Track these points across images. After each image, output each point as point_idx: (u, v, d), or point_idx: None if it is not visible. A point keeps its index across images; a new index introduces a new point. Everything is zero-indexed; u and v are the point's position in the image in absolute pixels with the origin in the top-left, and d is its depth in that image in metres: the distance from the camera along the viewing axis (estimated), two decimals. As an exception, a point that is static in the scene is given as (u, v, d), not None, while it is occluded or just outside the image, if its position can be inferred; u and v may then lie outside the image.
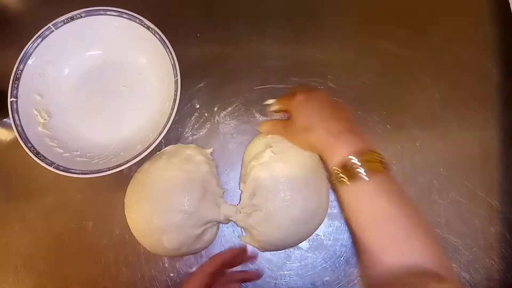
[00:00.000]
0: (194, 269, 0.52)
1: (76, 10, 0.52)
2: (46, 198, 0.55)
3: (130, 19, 0.53)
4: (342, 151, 0.39)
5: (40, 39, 0.52)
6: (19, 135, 0.50)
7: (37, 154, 0.50)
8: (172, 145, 0.54)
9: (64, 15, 0.52)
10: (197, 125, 0.56)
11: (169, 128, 0.50)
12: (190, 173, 0.49)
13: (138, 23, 0.52)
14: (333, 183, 0.39)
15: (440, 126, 0.55)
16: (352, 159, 0.38)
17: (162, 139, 0.50)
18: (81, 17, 0.53)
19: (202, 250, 0.51)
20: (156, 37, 0.52)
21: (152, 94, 0.56)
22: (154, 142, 0.49)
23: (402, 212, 0.38)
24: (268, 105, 0.54)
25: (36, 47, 0.52)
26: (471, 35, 0.58)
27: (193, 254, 0.52)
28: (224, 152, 0.55)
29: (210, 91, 0.57)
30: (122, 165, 0.49)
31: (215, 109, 0.57)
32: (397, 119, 0.56)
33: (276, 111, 0.54)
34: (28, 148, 0.50)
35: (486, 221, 0.53)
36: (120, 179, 0.53)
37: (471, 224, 0.53)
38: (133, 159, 0.49)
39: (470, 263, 0.52)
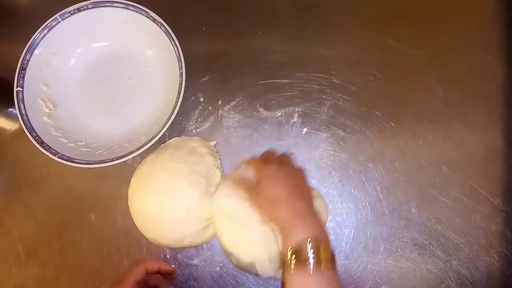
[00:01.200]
0: (195, 260, 0.53)
1: (83, 1, 0.53)
2: (49, 187, 0.55)
3: (136, 12, 0.53)
4: (301, 233, 0.38)
5: (46, 30, 0.52)
6: (25, 125, 0.50)
7: (42, 143, 0.50)
8: (176, 138, 0.54)
9: (71, 6, 0.53)
10: (201, 118, 0.57)
11: (173, 121, 0.50)
12: (195, 166, 0.49)
13: (144, 16, 0.53)
14: (282, 264, 0.38)
15: (443, 124, 0.55)
16: (309, 243, 0.37)
17: (166, 131, 0.50)
18: (87, 8, 0.53)
19: (204, 244, 0.52)
20: (162, 30, 0.52)
21: (157, 86, 0.56)
22: (158, 134, 0.50)
23: None
24: (240, 163, 0.52)
25: (42, 37, 0.52)
26: (476, 33, 0.58)
27: (194, 247, 0.52)
28: (227, 145, 0.56)
29: (215, 85, 0.57)
30: (126, 156, 0.49)
31: (219, 102, 0.57)
32: (400, 116, 0.56)
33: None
34: (33, 137, 0.50)
35: (487, 219, 0.53)
36: (124, 170, 0.54)
37: (472, 222, 0.53)
38: (137, 150, 0.49)
39: (471, 261, 0.52)
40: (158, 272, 0.46)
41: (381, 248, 0.52)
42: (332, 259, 0.38)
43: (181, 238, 0.48)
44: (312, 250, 0.37)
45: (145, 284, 0.45)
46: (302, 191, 0.44)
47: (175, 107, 0.50)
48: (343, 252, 0.53)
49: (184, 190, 0.48)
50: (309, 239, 0.37)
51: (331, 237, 0.53)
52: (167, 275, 0.48)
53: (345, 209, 0.54)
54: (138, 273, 0.44)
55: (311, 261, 0.37)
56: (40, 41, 0.52)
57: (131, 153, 0.49)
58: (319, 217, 0.42)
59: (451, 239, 0.52)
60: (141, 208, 0.49)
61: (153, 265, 0.46)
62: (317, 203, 0.48)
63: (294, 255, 0.37)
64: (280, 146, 0.55)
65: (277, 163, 0.46)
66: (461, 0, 0.59)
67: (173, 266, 0.52)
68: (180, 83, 0.51)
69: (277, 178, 0.44)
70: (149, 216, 0.49)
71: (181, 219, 0.48)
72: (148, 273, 0.45)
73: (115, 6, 0.53)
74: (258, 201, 0.45)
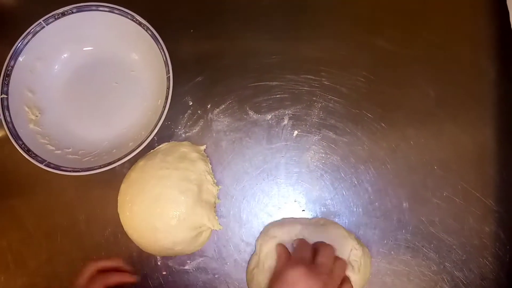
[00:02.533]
0: (186, 267, 0.52)
1: (67, 6, 0.52)
2: (37, 195, 0.54)
3: (122, 15, 0.52)
4: None
5: (31, 35, 0.51)
6: (10, 132, 0.49)
7: (28, 151, 0.49)
8: (166, 143, 0.54)
9: (55, 11, 0.52)
10: (190, 122, 0.56)
11: (161, 126, 0.50)
12: (186, 172, 0.49)
13: (130, 19, 0.52)
14: None
15: (434, 125, 0.55)
16: None
17: (154, 136, 0.49)
18: (72, 12, 0.52)
19: (196, 251, 0.51)
20: (148, 33, 0.52)
21: (144, 91, 0.55)
22: (146, 139, 0.49)
23: None
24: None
25: (26, 43, 0.51)
26: (467, 33, 0.57)
27: (186, 254, 0.51)
28: (217, 149, 0.55)
29: (203, 88, 0.57)
30: (114, 163, 0.48)
31: (208, 106, 0.56)
32: (391, 117, 0.55)
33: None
34: (19, 145, 0.49)
35: (481, 220, 0.52)
36: (113, 177, 0.53)
37: (465, 223, 0.52)
38: (125, 157, 0.48)
39: (464, 262, 0.51)
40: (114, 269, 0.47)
41: (374, 251, 0.52)
42: None
43: (173, 246, 0.48)
44: None
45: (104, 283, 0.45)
46: None
47: (162, 112, 0.49)
48: (335, 256, 0.52)
49: (175, 198, 0.47)
50: None
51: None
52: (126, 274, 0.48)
53: (338, 211, 0.53)
54: (87, 272, 0.45)
55: None
56: (24, 47, 0.51)
57: (119, 159, 0.48)
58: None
59: (444, 241, 0.52)
60: (131, 215, 0.49)
61: (105, 263, 0.47)
62: (357, 253, 0.46)
63: None
64: (271, 150, 0.55)
65: (320, 266, 0.41)
66: (453, 0, 0.58)
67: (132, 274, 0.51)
68: (168, 88, 0.50)
69: (299, 283, 0.39)
70: (140, 224, 0.48)
71: (173, 227, 0.47)
72: (102, 271, 0.45)
73: (100, 10, 0.52)
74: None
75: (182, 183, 0.48)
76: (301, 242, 0.46)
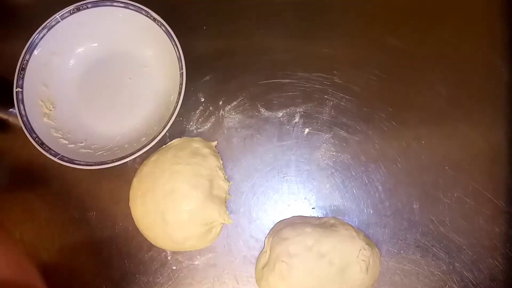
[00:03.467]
0: (196, 262, 0.52)
1: (82, 0, 0.52)
2: (50, 188, 0.55)
3: (136, 11, 0.52)
4: None
5: (46, 30, 0.52)
6: (24, 126, 0.50)
7: (41, 144, 0.50)
8: (177, 139, 0.54)
9: (71, 6, 0.52)
10: (202, 118, 0.56)
11: (173, 122, 0.50)
12: (198, 167, 0.49)
13: (144, 15, 0.52)
14: None
15: (446, 124, 0.55)
16: None
17: (166, 132, 0.50)
18: (87, 7, 0.52)
19: (205, 246, 0.51)
20: (162, 29, 0.52)
21: (157, 86, 0.55)
22: (158, 135, 0.49)
23: None
24: None
25: (42, 37, 0.52)
26: (480, 32, 0.57)
27: (196, 249, 0.52)
28: (228, 146, 0.55)
29: (216, 85, 0.57)
30: (126, 157, 0.49)
31: (220, 103, 0.56)
32: (403, 116, 0.55)
33: None
34: (33, 138, 0.50)
35: (491, 221, 0.52)
36: (125, 171, 0.54)
37: (475, 224, 0.52)
38: (138, 152, 0.49)
39: (474, 263, 0.51)
40: None
41: (384, 250, 0.52)
42: None
43: (183, 241, 0.48)
44: None
45: None
46: None
47: (175, 107, 0.49)
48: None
49: (187, 193, 0.48)
50: None
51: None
52: None
53: (347, 210, 0.53)
54: None
55: None
56: (39, 41, 0.52)
57: (131, 154, 0.49)
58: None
59: (454, 241, 0.52)
60: (143, 210, 0.49)
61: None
62: (366, 253, 0.47)
63: None
64: (282, 147, 0.55)
65: None
66: (466, 0, 0.58)
67: None
68: (181, 84, 0.50)
69: None
70: (151, 218, 0.48)
71: (184, 222, 0.47)
72: None
73: (115, 6, 0.52)
74: None
75: (194, 178, 0.48)
76: None
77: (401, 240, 0.52)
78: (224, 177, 0.52)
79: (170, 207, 0.47)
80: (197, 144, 0.52)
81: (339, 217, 0.53)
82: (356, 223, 0.53)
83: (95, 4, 0.52)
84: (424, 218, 0.52)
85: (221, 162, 0.53)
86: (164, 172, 0.49)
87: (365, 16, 0.58)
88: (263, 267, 0.49)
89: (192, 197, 0.47)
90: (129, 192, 0.51)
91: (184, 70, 0.51)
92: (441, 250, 0.52)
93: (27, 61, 0.51)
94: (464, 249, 0.52)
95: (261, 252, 0.52)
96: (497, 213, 0.52)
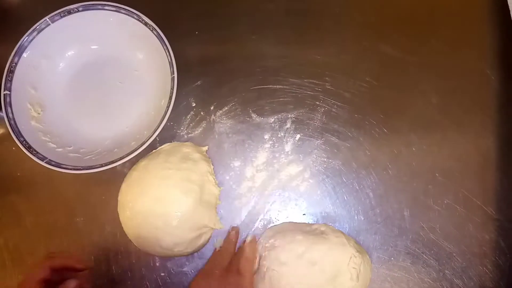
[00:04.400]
0: (185, 268, 0.52)
1: (73, 4, 0.52)
2: (37, 192, 0.54)
3: (127, 15, 0.52)
4: None
5: (36, 32, 0.51)
6: (12, 129, 0.49)
7: (29, 148, 0.49)
8: (168, 143, 0.54)
9: (61, 9, 0.52)
10: (193, 123, 0.56)
11: (164, 126, 0.50)
12: (188, 172, 0.49)
13: (136, 19, 0.52)
14: None
15: (437, 131, 0.55)
16: None
17: (157, 137, 0.49)
18: (78, 11, 0.52)
19: (194, 253, 0.51)
20: (154, 34, 0.52)
21: (148, 90, 0.55)
22: (148, 139, 0.49)
23: None
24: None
25: (31, 40, 0.51)
26: (471, 41, 0.58)
27: (185, 255, 0.51)
28: (219, 151, 0.55)
29: (207, 90, 0.57)
30: (115, 162, 0.48)
31: (212, 108, 0.56)
32: (394, 123, 0.55)
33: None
34: (20, 142, 0.49)
35: (481, 228, 0.52)
36: (114, 176, 0.53)
37: (465, 231, 0.52)
38: (127, 156, 0.48)
39: (464, 270, 0.51)
40: (66, 268, 0.45)
41: (374, 257, 0.52)
42: None
43: (173, 247, 0.48)
44: None
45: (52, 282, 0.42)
46: None
47: (166, 112, 0.49)
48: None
49: (177, 198, 0.47)
50: None
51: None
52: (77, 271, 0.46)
53: (338, 216, 0.53)
54: (40, 273, 0.42)
55: None
56: (29, 43, 0.51)
57: (120, 159, 0.48)
58: None
59: (444, 248, 0.52)
60: (132, 215, 0.48)
61: (59, 262, 0.44)
62: (356, 261, 0.46)
63: None
64: (273, 153, 0.55)
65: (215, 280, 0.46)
66: (458, 9, 0.59)
67: (83, 266, 0.48)
68: (172, 88, 0.50)
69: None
70: (141, 224, 0.48)
71: (174, 227, 0.47)
72: (54, 271, 0.43)
73: (106, 9, 0.52)
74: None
75: (185, 183, 0.48)
76: (221, 250, 0.50)
77: (391, 247, 0.52)
78: (215, 182, 0.52)
79: (160, 212, 0.47)
80: (187, 149, 0.52)
81: (330, 224, 0.52)
82: (347, 229, 0.53)
83: (86, 8, 0.52)
84: (414, 225, 0.52)
85: (212, 167, 0.53)
86: (154, 177, 0.48)
87: (357, 24, 0.59)
88: (253, 275, 0.48)
89: (182, 203, 0.47)
90: (117, 197, 0.51)
91: (175, 75, 0.50)
92: (431, 257, 0.52)
93: (16, 63, 0.51)
94: (454, 256, 0.52)
95: None
96: (487, 220, 0.52)
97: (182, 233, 0.47)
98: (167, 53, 0.51)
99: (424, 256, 0.52)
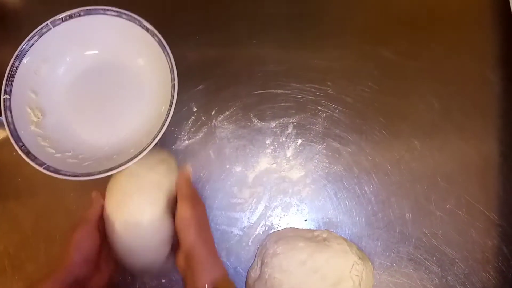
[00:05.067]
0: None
1: (74, 8, 0.51)
2: (37, 198, 0.54)
3: (129, 20, 0.52)
4: (203, 278, 0.41)
5: (37, 37, 0.51)
6: (11, 134, 0.49)
7: (27, 153, 0.48)
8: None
9: (63, 13, 0.51)
10: (194, 128, 0.56)
11: (165, 131, 0.49)
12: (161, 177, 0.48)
13: (137, 25, 0.52)
14: None
15: (439, 136, 0.55)
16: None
17: (157, 142, 0.49)
18: (79, 15, 0.52)
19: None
20: (155, 40, 0.51)
21: (148, 97, 0.55)
22: (148, 146, 0.48)
23: None
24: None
25: (32, 44, 0.51)
26: (472, 45, 0.58)
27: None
28: (220, 156, 0.55)
29: (208, 94, 0.57)
30: (113, 169, 0.47)
31: (213, 112, 0.56)
32: (395, 127, 0.55)
33: None
34: (19, 147, 0.48)
35: (483, 234, 0.52)
36: (114, 181, 0.52)
37: (468, 237, 0.52)
38: (126, 164, 0.47)
39: (466, 276, 0.51)
40: None
41: (376, 263, 0.51)
42: None
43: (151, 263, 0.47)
44: None
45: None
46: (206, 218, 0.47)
47: (166, 119, 0.48)
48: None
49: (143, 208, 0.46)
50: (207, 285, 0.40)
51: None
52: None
53: (340, 222, 0.53)
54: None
55: None
56: (29, 48, 0.51)
57: (119, 166, 0.47)
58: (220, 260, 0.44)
59: (447, 254, 0.52)
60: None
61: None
62: (359, 268, 0.46)
63: None
64: (274, 158, 0.55)
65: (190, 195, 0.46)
66: (459, 13, 0.59)
67: None
68: (172, 95, 0.49)
69: (195, 203, 0.45)
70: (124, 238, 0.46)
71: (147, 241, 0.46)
72: None
73: (108, 14, 0.52)
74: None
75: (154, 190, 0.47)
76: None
77: (393, 253, 0.52)
78: None
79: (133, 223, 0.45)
80: (166, 156, 0.51)
81: (332, 230, 0.52)
82: (349, 235, 0.52)
83: (87, 12, 0.52)
84: (416, 231, 0.52)
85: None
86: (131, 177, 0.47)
87: (358, 28, 0.59)
88: (254, 282, 0.48)
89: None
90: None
91: (176, 82, 0.50)
92: (434, 264, 0.51)
93: (16, 67, 0.50)
94: (457, 262, 0.51)
95: (251, 265, 0.51)
96: (490, 226, 0.52)
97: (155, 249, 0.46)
98: (168, 60, 0.50)
99: (426, 262, 0.51)
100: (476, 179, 0.54)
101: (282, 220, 0.53)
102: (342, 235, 0.52)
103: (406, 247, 0.52)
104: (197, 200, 0.48)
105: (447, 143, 0.54)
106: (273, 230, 0.53)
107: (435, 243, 0.52)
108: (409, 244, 0.52)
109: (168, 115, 0.48)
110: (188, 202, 0.45)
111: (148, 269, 0.49)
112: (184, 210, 0.45)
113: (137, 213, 0.45)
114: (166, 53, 0.51)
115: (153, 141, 0.48)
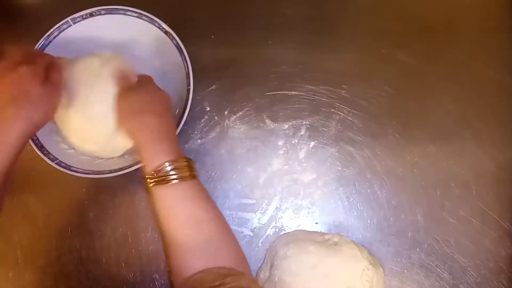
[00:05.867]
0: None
1: (94, 6, 0.52)
2: (50, 192, 0.54)
3: (149, 22, 0.51)
4: (159, 158, 0.40)
5: (57, 32, 0.51)
6: None
7: (41, 148, 0.49)
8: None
9: (84, 11, 0.52)
10: (207, 128, 0.56)
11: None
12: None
13: (157, 27, 0.51)
14: (147, 188, 0.40)
15: (455, 142, 0.54)
16: (167, 166, 0.39)
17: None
18: (100, 14, 0.52)
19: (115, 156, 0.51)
20: (173, 43, 0.51)
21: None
22: None
23: (209, 216, 0.40)
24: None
25: (52, 40, 0.51)
26: (492, 53, 0.57)
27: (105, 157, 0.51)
28: (232, 157, 0.55)
29: (222, 94, 0.57)
30: (124, 169, 0.48)
31: (226, 112, 0.56)
32: (411, 132, 0.54)
33: None
34: (33, 141, 0.49)
35: (497, 243, 0.51)
36: (126, 179, 0.53)
37: (481, 245, 0.51)
38: (136, 164, 0.48)
39: (478, 285, 0.50)
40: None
41: (387, 269, 0.51)
42: (191, 170, 0.41)
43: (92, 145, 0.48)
44: (170, 170, 0.39)
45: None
46: (158, 107, 0.44)
47: (179, 122, 0.48)
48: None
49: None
50: (165, 163, 0.39)
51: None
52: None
53: (351, 226, 0.52)
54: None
55: (173, 179, 0.39)
56: (49, 43, 0.51)
57: (129, 166, 0.48)
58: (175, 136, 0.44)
59: (459, 262, 0.51)
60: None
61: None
62: (369, 273, 0.46)
63: (155, 179, 0.39)
64: (287, 159, 0.54)
65: (138, 81, 0.47)
66: (478, 19, 0.58)
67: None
68: (187, 99, 0.49)
69: (136, 91, 0.45)
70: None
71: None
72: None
73: (128, 15, 0.52)
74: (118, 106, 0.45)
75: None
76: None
77: (404, 259, 0.51)
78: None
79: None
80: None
81: (343, 233, 0.52)
82: (360, 239, 0.52)
83: (108, 11, 0.52)
84: (429, 237, 0.52)
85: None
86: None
87: (375, 31, 0.58)
88: (264, 283, 0.48)
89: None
90: (128, 199, 0.51)
91: (191, 87, 0.50)
92: (445, 271, 0.51)
93: (35, 62, 0.51)
94: (469, 271, 0.51)
95: (260, 266, 0.51)
96: (503, 235, 0.51)
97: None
98: (185, 64, 0.50)
99: (438, 269, 0.51)
100: (490, 188, 0.53)
101: (293, 222, 0.53)
102: (353, 239, 0.51)
103: (418, 253, 0.51)
104: (139, 87, 0.47)
105: (463, 149, 0.54)
106: (283, 232, 0.52)
107: (447, 250, 0.51)
108: (420, 250, 0.51)
109: (182, 119, 0.48)
110: (120, 92, 0.46)
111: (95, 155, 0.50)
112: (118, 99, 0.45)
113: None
114: (183, 57, 0.50)
115: None
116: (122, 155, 0.52)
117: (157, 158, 0.40)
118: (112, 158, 0.52)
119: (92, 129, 0.47)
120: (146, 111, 0.43)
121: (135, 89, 0.46)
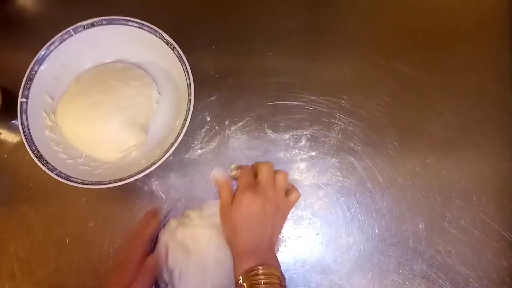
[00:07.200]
0: None
1: (95, 17, 0.52)
2: (48, 203, 0.54)
3: (150, 32, 0.52)
4: (250, 262, 0.42)
5: (58, 42, 0.51)
6: (25, 137, 0.49)
7: (40, 158, 0.49)
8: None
9: (85, 21, 0.52)
10: (207, 138, 0.56)
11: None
12: (134, 90, 0.51)
13: (158, 37, 0.51)
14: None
15: (455, 153, 0.54)
16: (258, 272, 0.41)
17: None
18: (102, 24, 0.52)
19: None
20: (175, 54, 0.51)
21: (163, 109, 0.55)
22: (160, 159, 0.47)
23: None
24: (233, 167, 0.54)
25: (53, 49, 0.51)
26: (491, 63, 0.57)
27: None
28: (233, 167, 0.54)
29: (222, 104, 0.57)
30: (124, 180, 0.47)
31: (226, 122, 0.56)
32: (411, 143, 0.55)
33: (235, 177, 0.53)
34: (32, 151, 0.49)
35: (499, 254, 0.51)
36: (125, 189, 0.53)
37: (482, 256, 0.51)
38: (136, 175, 0.47)
39: (481, 297, 0.50)
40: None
41: (389, 280, 0.51)
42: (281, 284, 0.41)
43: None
44: (263, 276, 0.40)
45: None
46: (269, 226, 0.46)
47: (180, 133, 0.48)
48: (349, 282, 0.51)
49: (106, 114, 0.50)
50: (260, 267, 0.41)
51: (338, 266, 0.51)
52: None
53: (352, 237, 0.52)
54: (154, 227, 0.48)
55: (263, 286, 0.40)
56: (50, 53, 0.51)
57: (129, 177, 0.47)
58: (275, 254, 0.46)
59: (461, 273, 0.51)
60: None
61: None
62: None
63: (245, 282, 0.41)
64: (287, 170, 0.54)
65: (262, 184, 0.47)
66: (477, 29, 0.59)
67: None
68: (188, 110, 0.49)
69: (249, 204, 0.46)
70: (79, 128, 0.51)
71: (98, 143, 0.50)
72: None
73: (130, 25, 0.52)
74: (225, 214, 0.48)
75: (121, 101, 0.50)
76: (242, 170, 0.51)
77: (406, 271, 0.51)
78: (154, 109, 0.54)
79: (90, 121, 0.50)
80: (140, 72, 0.54)
81: (344, 244, 0.51)
82: (362, 250, 0.51)
83: (110, 22, 0.52)
84: (430, 248, 0.51)
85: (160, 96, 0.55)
86: (99, 84, 0.51)
87: (374, 42, 0.58)
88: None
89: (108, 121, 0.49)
90: (128, 210, 0.50)
91: (192, 97, 0.49)
92: (447, 282, 0.50)
93: (35, 72, 0.51)
94: (471, 282, 0.50)
95: None
96: (505, 245, 0.51)
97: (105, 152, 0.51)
98: (186, 75, 0.50)
99: (440, 280, 0.50)
100: (492, 198, 0.53)
101: (293, 233, 0.52)
102: (354, 250, 0.51)
103: (420, 264, 0.51)
104: (241, 197, 0.47)
105: (463, 160, 0.54)
106: (284, 244, 0.52)
107: (449, 261, 0.51)
108: (422, 261, 0.51)
109: (182, 130, 0.48)
110: (221, 201, 0.49)
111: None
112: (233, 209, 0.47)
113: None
114: (184, 68, 0.50)
115: (165, 153, 0.47)
116: (122, 166, 0.51)
117: (248, 263, 0.42)
118: (112, 165, 0.52)
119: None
120: (246, 233, 0.45)
121: (252, 200, 0.46)
